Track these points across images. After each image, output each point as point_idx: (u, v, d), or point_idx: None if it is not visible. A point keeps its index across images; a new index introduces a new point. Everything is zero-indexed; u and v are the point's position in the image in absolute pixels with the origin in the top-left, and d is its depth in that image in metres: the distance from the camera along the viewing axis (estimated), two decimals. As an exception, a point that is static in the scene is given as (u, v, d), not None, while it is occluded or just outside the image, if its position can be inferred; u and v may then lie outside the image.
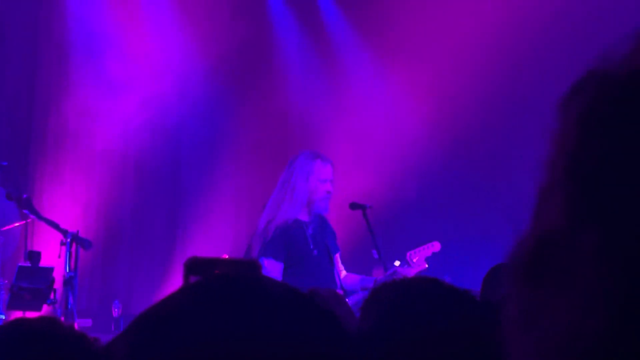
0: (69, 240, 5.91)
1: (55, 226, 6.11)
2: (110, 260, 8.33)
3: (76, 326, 5.23)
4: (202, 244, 8.31)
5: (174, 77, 8.65)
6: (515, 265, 0.55)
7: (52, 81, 8.37)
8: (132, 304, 7.89)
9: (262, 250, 5.13)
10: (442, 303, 1.52)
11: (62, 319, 5.44)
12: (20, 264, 6.09)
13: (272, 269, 5.11)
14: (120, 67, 8.37)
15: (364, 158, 8.48)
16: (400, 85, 8.77)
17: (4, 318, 5.86)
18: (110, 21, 8.42)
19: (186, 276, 1.37)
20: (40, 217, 6.28)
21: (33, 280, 5.95)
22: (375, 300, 1.56)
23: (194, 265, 1.34)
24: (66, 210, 7.92)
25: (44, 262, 6.13)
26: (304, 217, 5.27)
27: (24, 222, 6.51)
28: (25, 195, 6.33)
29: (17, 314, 5.85)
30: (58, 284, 6.03)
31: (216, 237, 8.38)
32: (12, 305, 5.99)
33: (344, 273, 5.48)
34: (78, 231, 6.04)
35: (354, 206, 5.60)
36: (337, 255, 5.46)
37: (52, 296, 5.99)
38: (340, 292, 4.98)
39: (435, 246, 5.74)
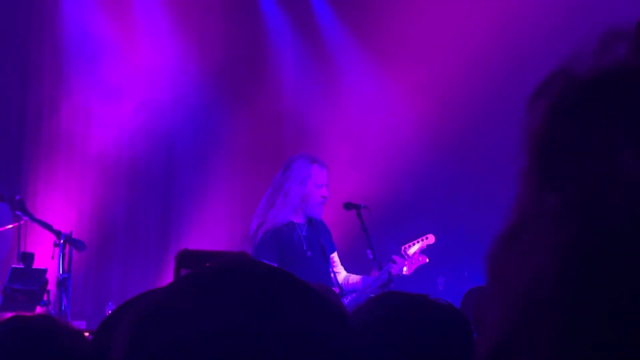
0: (62, 241, 5.90)
1: (49, 227, 6.09)
2: (104, 262, 8.31)
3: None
4: (196, 245, 8.29)
5: (167, 80, 8.64)
6: (498, 237, 0.64)
7: (45, 83, 8.35)
8: (126, 306, 7.86)
9: (254, 253, 5.13)
10: (424, 324, 1.51)
11: (56, 320, 5.42)
12: (13, 266, 6.07)
13: None
14: (115, 70, 8.36)
15: (358, 159, 8.48)
16: (395, 86, 8.77)
17: (-3, 320, 5.83)
18: (104, 25, 8.41)
19: (177, 269, 1.35)
20: (33, 219, 6.26)
21: (26, 282, 5.93)
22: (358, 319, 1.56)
23: (184, 258, 1.33)
24: (60, 212, 7.90)
25: (37, 264, 6.11)
26: (297, 219, 5.27)
27: (17, 223, 6.48)
28: (18, 197, 6.31)
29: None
30: (51, 286, 6.00)
31: (210, 239, 8.36)
32: (5, 307, 5.96)
33: (343, 273, 5.47)
34: (71, 232, 6.02)
35: (348, 206, 5.60)
36: (334, 255, 5.45)
37: (45, 298, 5.96)
38: (337, 290, 4.98)
39: (430, 239, 5.74)
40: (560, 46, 8.25)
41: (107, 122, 8.30)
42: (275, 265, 5.09)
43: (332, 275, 5.33)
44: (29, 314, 5.74)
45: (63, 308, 5.81)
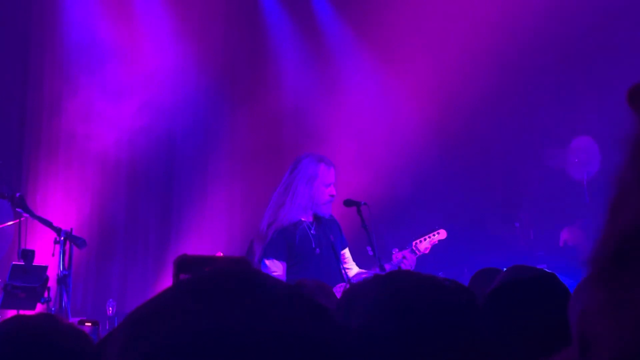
0: (62, 238, 5.90)
1: (49, 224, 6.09)
2: (104, 259, 8.31)
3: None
4: (196, 243, 8.30)
5: (168, 79, 8.64)
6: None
7: (45, 81, 8.35)
8: (126, 303, 7.87)
9: (264, 252, 5.20)
10: (429, 294, 1.52)
11: (56, 317, 5.42)
12: (13, 263, 6.07)
13: (275, 268, 5.18)
14: (115, 69, 8.36)
15: (359, 157, 8.47)
16: (396, 84, 8.76)
17: (-3, 317, 5.84)
18: (105, 24, 8.40)
19: (176, 274, 1.36)
20: (33, 216, 6.26)
21: (27, 279, 5.93)
22: (360, 296, 1.56)
23: (183, 263, 1.33)
24: (60, 209, 7.91)
25: (37, 261, 6.11)
26: (306, 217, 5.30)
27: (18, 220, 6.49)
28: (18, 194, 6.30)
29: (11, 313, 5.83)
30: (52, 283, 6.01)
31: (210, 237, 8.37)
32: (5, 304, 5.97)
33: (354, 269, 5.49)
34: (72, 229, 6.02)
35: (348, 203, 5.60)
36: (345, 252, 5.48)
37: (45, 295, 5.97)
38: (347, 286, 4.99)
39: (441, 234, 5.74)
40: (563, 42, 8.26)
41: (108, 120, 8.30)
42: (284, 263, 5.14)
43: (342, 271, 5.35)
44: (29, 312, 5.75)
45: (63, 305, 5.81)
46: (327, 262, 5.29)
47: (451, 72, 8.32)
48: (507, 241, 8.16)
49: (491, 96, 8.38)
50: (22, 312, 5.76)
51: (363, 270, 5.49)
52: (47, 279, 6.00)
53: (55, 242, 5.96)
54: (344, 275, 5.34)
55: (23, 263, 5.97)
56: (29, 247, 6.30)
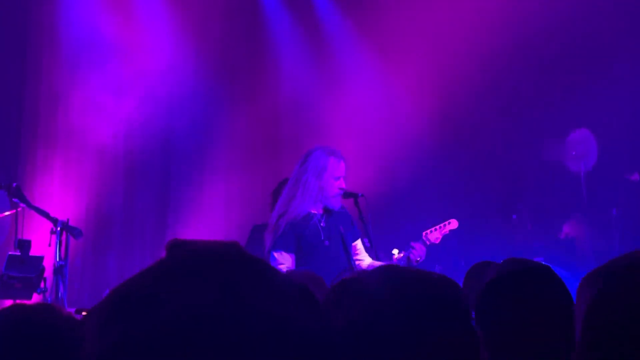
0: (59, 228, 5.89)
1: (46, 215, 6.08)
2: (101, 250, 8.30)
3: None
4: (193, 233, 8.29)
5: (166, 73, 8.62)
6: None
7: (43, 73, 8.32)
8: (123, 294, 7.86)
9: (273, 244, 5.24)
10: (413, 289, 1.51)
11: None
12: (10, 253, 6.06)
13: (283, 260, 5.22)
14: (114, 63, 8.34)
15: (357, 150, 8.46)
16: (394, 77, 8.75)
17: (-6, 307, 5.83)
18: (103, 17, 8.38)
19: None
20: (30, 206, 6.25)
21: (23, 269, 5.92)
22: (350, 290, 1.55)
23: (175, 247, 1.32)
24: (57, 200, 7.90)
25: (34, 251, 6.10)
26: (316, 210, 5.32)
27: (14, 210, 6.47)
28: (15, 184, 6.29)
29: (7, 303, 5.82)
30: (48, 273, 6.00)
31: (207, 227, 8.37)
32: (2, 294, 5.96)
33: (367, 260, 5.50)
34: (68, 220, 6.01)
35: (345, 195, 5.61)
36: (357, 243, 5.48)
37: (42, 285, 5.96)
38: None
39: (452, 224, 5.74)
40: (562, 36, 8.25)
41: (106, 113, 8.28)
42: (293, 255, 5.17)
43: (352, 263, 5.37)
44: (27, 302, 5.74)
45: (60, 295, 5.81)
46: (335, 253, 5.32)
47: (449, 66, 8.32)
48: (505, 233, 8.16)
49: (489, 89, 8.37)
50: (18, 302, 5.75)
51: (377, 262, 5.50)
52: (43, 269, 6.00)
53: (52, 232, 5.95)
54: (354, 267, 5.36)
55: (19, 253, 5.96)
56: (26, 237, 6.29)
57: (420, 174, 8.62)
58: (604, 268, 1.55)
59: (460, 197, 8.39)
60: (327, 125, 8.52)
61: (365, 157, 8.42)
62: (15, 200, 6.26)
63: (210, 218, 8.52)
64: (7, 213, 6.60)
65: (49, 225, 6.04)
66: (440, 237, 5.69)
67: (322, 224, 5.32)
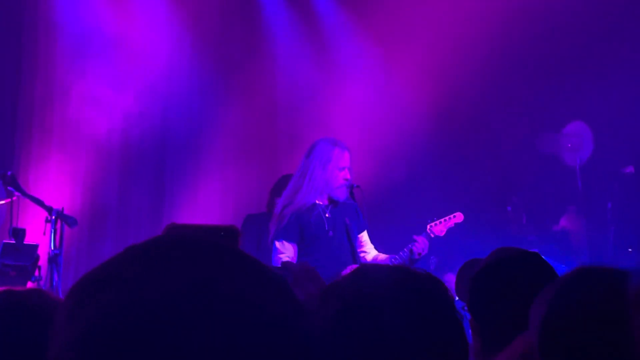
0: (54, 217, 5.89)
1: (40, 203, 6.08)
2: (96, 239, 8.30)
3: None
4: (189, 221, 8.29)
5: (162, 63, 8.60)
6: None
7: (39, 62, 8.30)
8: (117, 283, 7.86)
9: (275, 233, 5.27)
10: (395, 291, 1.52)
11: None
12: (4, 241, 6.06)
13: (285, 250, 5.25)
14: (110, 53, 8.32)
15: (354, 142, 8.46)
16: (391, 69, 8.75)
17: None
18: (101, 8, 8.35)
19: None
20: (25, 194, 6.25)
21: (17, 258, 5.92)
22: (334, 290, 1.56)
23: (173, 232, 1.32)
24: (52, 188, 7.89)
25: (28, 240, 6.10)
26: (322, 201, 5.35)
27: (9, 199, 6.47)
28: (10, 172, 6.29)
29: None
30: (43, 261, 6.00)
31: (202, 217, 8.36)
32: (-4, 282, 5.96)
33: (372, 253, 5.51)
34: (63, 208, 6.02)
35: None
36: (362, 235, 5.49)
37: (36, 273, 5.96)
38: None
39: (458, 217, 5.74)
40: (558, 29, 8.24)
41: (102, 102, 8.27)
42: (295, 245, 5.19)
43: (356, 254, 5.38)
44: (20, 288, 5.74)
45: (54, 284, 5.81)
46: (339, 244, 5.34)
47: (446, 59, 8.31)
48: (499, 225, 8.17)
49: (485, 81, 8.37)
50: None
51: (382, 255, 5.51)
52: (38, 257, 6.00)
53: (47, 221, 5.95)
54: (359, 258, 5.37)
55: (14, 241, 5.96)
56: (20, 225, 6.29)
57: (416, 167, 8.62)
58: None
59: (455, 189, 8.40)
60: (324, 118, 8.52)
61: (362, 150, 8.42)
62: (10, 188, 6.26)
63: (205, 209, 8.52)
64: (1, 202, 6.60)
65: (44, 213, 6.04)
66: (445, 230, 5.69)
67: (327, 215, 5.34)
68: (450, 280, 7.16)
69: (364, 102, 8.79)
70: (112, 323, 0.77)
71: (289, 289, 0.84)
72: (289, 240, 5.26)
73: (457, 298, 4.14)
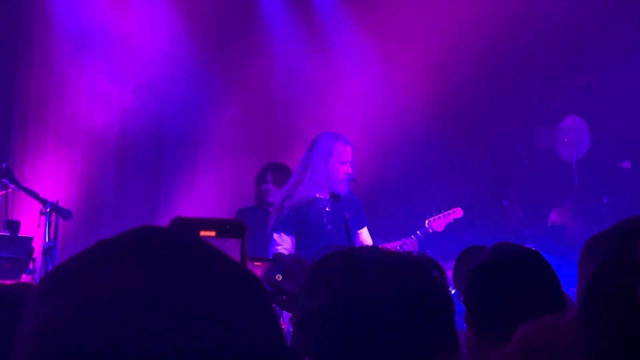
0: (48, 210, 5.87)
1: (35, 196, 6.06)
2: (91, 231, 8.28)
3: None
4: (185, 214, 8.27)
5: (158, 53, 8.57)
6: None
7: (35, 53, 8.28)
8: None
9: (274, 225, 5.31)
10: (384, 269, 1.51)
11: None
12: (-2, 233, 6.04)
13: (282, 241, 5.28)
14: (106, 46, 8.31)
15: (352, 136, 8.44)
16: (388, 64, 8.73)
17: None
18: (97, 0, 8.33)
19: None
20: (20, 187, 6.23)
21: (12, 250, 5.91)
22: (323, 274, 1.55)
23: (178, 226, 1.31)
24: (48, 181, 7.87)
25: (23, 232, 6.08)
26: (323, 194, 5.33)
27: (4, 191, 6.45)
28: (4, 165, 6.27)
29: (-4, 284, 5.80)
30: (37, 254, 5.99)
31: (199, 210, 8.35)
32: (-10, 274, 5.94)
33: None
34: (58, 201, 6.00)
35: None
36: (362, 231, 5.50)
37: (31, 266, 5.95)
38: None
39: (458, 212, 5.73)
40: (555, 23, 8.23)
41: (99, 95, 8.25)
42: (293, 237, 5.20)
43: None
44: (10, 281, 5.72)
45: (49, 277, 5.79)
46: (337, 238, 5.36)
47: (443, 54, 8.30)
48: (496, 220, 8.17)
49: (482, 76, 8.36)
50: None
51: None
52: (32, 250, 5.98)
53: (41, 213, 5.94)
54: None
55: (8, 234, 5.95)
56: (15, 218, 6.27)
57: (413, 161, 8.61)
58: (610, 232, 1.48)
59: (452, 183, 8.39)
60: (322, 113, 8.50)
61: (360, 144, 8.40)
62: (4, 181, 6.24)
63: (201, 202, 8.50)
64: (-4, 194, 6.58)
65: (39, 206, 6.02)
66: (444, 225, 5.70)
67: (327, 209, 5.35)
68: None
69: (361, 97, 8.77)
70: (60, 321, 0.77)
71: (259, 288, 0.83)
72: (287, 233, 5.27)
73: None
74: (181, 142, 8.76)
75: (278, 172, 6.77)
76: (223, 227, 1.32)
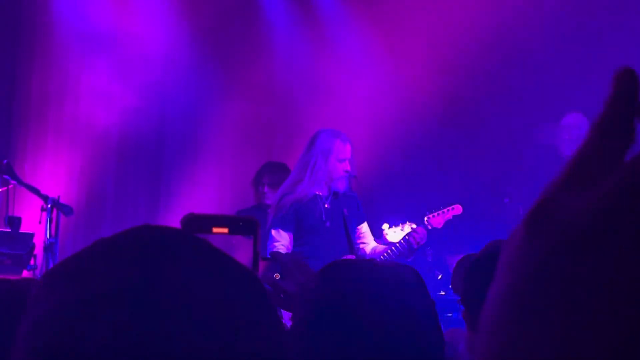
0: (49, 206, 5.88)
1: (36, 192, 6.07)
2: (92, 228, 8.29)
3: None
4: (185, 212, 8.25)
5: (159, 53, 8.58)
6: None
7: (36, 49, 8.29)
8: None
9: (273, 221, 5.32)
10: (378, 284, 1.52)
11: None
12: (0, 230, 6.05)
13: (280, 238, 5.29)
14: (105, 43, 8.30)
15: (349, 129, 8.43)
16: (390, 58, 8.72)
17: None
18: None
19: None
20: (21, 183, 6.23)
21: (13, 246, 5.92)
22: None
23: (190, 222, 1.31)
24: (48, 177, 7.88)
25: (24, 228, 6.09)
26: (322, 191, 5.34)
27: (5, 187, 6.46)
28: (5, 161, 6.28)
29: (-3, 280, 5.81)
30: (38, 250, 5.99)
31: (199, 205, 8.35)
32: (-9, 270, 5.95)
33: (371, 244, 5.52)
34: (59, 197, 6.01)
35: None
36: (362, 227, 5.50)
37: (32, 262, 5.96)
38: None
39: (457, 209, 5.72)
40: (557, 19, 8.22)
41: (99, 92, 8.26)
42: (291, 234, 5.21)
43: (354, 245, 5.40)
44: (13, 277, 5.73)
45: (50, 273, 5.79)
46: (336, 235, 5.37)
47: (444, 49, 8.29)
48: (496, 217, 8.16)
49: (483, 72, 8.35)
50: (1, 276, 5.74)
51: (381, 246, 5.51)
52: (33, 246, 5.99)
53: (42, 209, 5.95)
54: (356, 250, 5.39)
55: (9, 230, 5.95)
56: (16, 214, 6.28)
57: (414, 158, 8.61)
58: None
59: (453, 180, 8.39)
60: (323, 112, 8.49)
61: (360, 141, 8.40)
62: (5, 177, 6.25)
63: (202, 201, 8.50)
64: (-3, 190, 6.59)
65: (40, 202, 6.03)
66: (443, 222, 5.69)
67: (326, 206, 5.35)
68: (446, 271, 7.16)
69: (364, 94, 8.76)
70: (60, 316, 0.78)
71: (259, 288, 0.83)
72: (285, 229, 5.28)
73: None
74: (182, 141, 8.77)
75: (275, 173, 6.73)
76: (236, 224, 1.32)
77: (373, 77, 8.83)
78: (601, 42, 8.10)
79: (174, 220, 8.16)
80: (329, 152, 5.33)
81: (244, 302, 0.80)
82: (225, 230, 1.30)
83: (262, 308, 0.81)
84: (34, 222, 6.11)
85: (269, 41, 9.02)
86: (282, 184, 5.65)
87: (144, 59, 8.43)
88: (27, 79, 8.27)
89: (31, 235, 6.06)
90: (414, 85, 8.51)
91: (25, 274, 6.01)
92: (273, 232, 5.29)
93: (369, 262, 1.60)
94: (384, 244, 5.54)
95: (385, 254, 5.39)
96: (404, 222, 5.63)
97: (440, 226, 5.69)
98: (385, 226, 5.67)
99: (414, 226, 5.53)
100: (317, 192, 5.35)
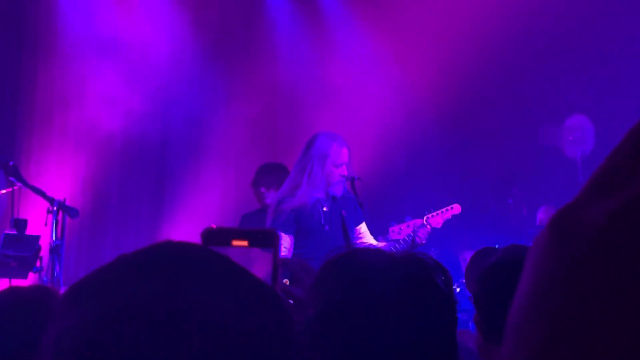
0: (55, 208, 5.89)
1: (42, 194, 6.08)
2: (97, 229, 8.31)
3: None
4: (189, 214, 8.29)
5: (163, 57, 8.58)
6: None
7: (40, 50, 8.30)
8: (118, 274, 7.85)
9: (273, 224, 5.31)
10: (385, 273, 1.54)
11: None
12: (6, 232, 6.05)
13: (282, 241, 5.26)
14: (109, 46, 8.30)
15: (353, 130, 8.46)
16: (392, 60, 8.72)
17: (-11, 285, 5.82)
18: (101, 0, 8.34)
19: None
20: (26, 185, 6.25)
21: (19, 248, 5.92)
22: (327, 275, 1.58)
23: (210, 235, 1.33)
24: (54, 179, 7.89)
25: (30, 230, 6.10)
26: (320, 195, 5.35)
27: (11, 189, 6.47)
28: (11, 163, 6.29)
29: (3, 282, 5.83)
30: (44, 252, 6.00)
31: (203, 208, 8.37)
32: (-3, 272, 5.96)
33: (371, 243, 5.52)
34: (65, 199, 6.02)
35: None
36: (360, 227, 5.51)
37: (38, 264, 5.97)
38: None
39: (456, 209, 5.74)
40: (560, 21, 8.22)
41: (103, 95, 8.26)
42: (291, 236, 5.22)
43: (353, 247, 5.40)
44: (21, 281, 5.75)
45: (56, 275, 5.82)
46: (335, 238, 5.37)
47: (447, 50, 8.29)
48: (500, 218, 8.17)
49: (487, 73, 8.36)
50: (14, 281, 5.76)
51: (382, 243, 5.53)
52: (39, 248, 6.00)
53: (48, 211, 5.95)
54: None
55: (16, 232, 5.96)
56: (22, 216, 6.29)
57: (416, 157, 8.62)
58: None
59: (456, 180, 8.40)
60: (328, 114, 8.49)
61: (362, 141, 8.41)
62: (11, 179, 6.26)
63: (205, 204, 8.50)
64: (3, 192, 6.60)
65: (46, 204, 6.04)
66: (442, 221, 5.70)
67: (324, 209, 5.36)
68: (452, 269, 7.15)
69: (366, 97, 8.77)
70: (82, 329, 0.79)
71: (278, 303, 0.85)
72: (286, 232, 5.28)
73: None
74: (186, 144, 8.78)
75: (271, 173, 6.73)
76: (255, 236, 1.34)
77: (377, 79, 8.83)
78: (604, 45, 8.11)
79: (177, 222, 8.19)
80: (326, 157, 5.33)
81: (263, 323, 0.82)
82: (245, 243, 1.32)
83: (282, 327, 0.83)
84: (40, 224, 6.12)
85: (273, 45, 9.02)
86: (279, 183, 5.66)
87: (148, 63, 8.44)
88: (33, 82, 8.28)
89: (37, 238, 6.07)
90: (418, 88, 8.52)
91: (31, 276, 6.03)
92: None
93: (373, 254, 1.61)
94: (388, 242, 5.57)
95: None
96: (408, 220, 5.66)
97: (439, 226, 5.71)
98: (392, 224, 5.70)
99: (417, 224, 5.56)
100: (316, 196, 5.36)
